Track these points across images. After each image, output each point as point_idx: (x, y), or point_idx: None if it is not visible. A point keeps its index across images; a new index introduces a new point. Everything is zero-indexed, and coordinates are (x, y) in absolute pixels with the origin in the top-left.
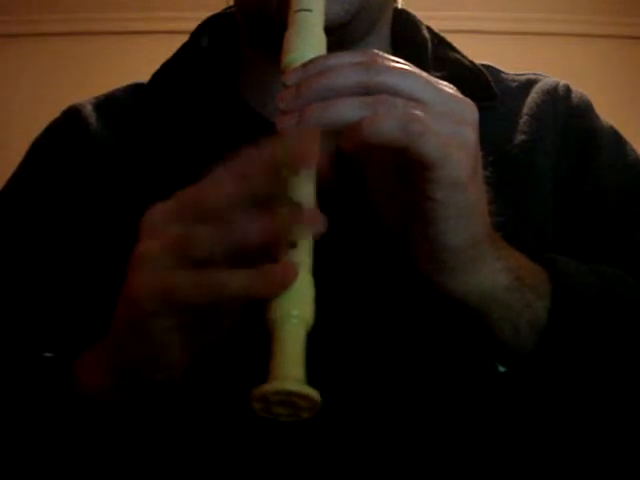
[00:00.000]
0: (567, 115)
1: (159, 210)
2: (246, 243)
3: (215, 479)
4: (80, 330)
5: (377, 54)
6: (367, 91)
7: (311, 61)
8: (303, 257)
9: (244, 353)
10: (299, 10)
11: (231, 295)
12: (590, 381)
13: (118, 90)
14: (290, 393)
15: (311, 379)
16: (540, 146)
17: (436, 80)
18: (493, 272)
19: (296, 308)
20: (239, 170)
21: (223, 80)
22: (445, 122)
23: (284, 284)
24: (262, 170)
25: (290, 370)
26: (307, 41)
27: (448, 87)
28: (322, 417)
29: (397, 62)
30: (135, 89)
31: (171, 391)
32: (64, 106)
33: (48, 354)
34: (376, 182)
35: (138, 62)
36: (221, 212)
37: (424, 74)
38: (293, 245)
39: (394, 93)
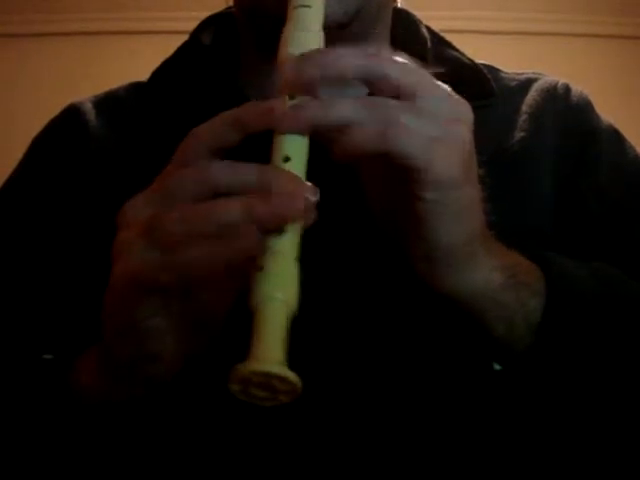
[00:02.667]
0: (566, 113)
1: (132, 201)
2: (219, 221)
3: (203, 469)
4: (80, 331)
5: (375, 50)
6: (366, 78)
7: (308, 54)
8: (290, 244)
9: (228, 340)
10: (298, 6)
11: (199, 270)
12: (586, 378)
13: (118, 88)
14: (269, 375)
15: (295, 366)
16: (539, 144)
17: (432, 78)
18: (487, 270)
19: (279, 291)
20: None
21: (224, 77)
22: (433, 122)
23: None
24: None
25: (269, 351)
26: (305, 37)
27: (442, 86)
28: (304, 403)
29: (395, 56)
30: (135, 87)
31: (166, 387)
32: (64, 106)
33: (47, 356)
34: (369, 182)
35: (138, 62)
36: (188, 192)
37: (421, 70)
38: (281, 231)
39: (389, 86)
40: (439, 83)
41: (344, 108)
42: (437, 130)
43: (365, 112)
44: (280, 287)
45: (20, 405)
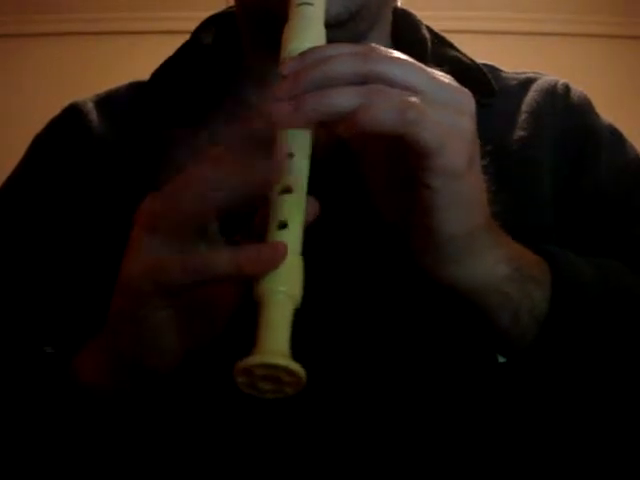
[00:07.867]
0: (566, 113)
1: (147, 200)
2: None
3: (207, 464)
4: (81, 325)
5: (375, 46)
6: (364, 81)
7: (309, 50)
8: (293, 238)
9: (233, 332)
10: (301, 4)
11: (218, 274)
12: (590, 370)
13: (119, 87)
14: (274, 367)
15: (299, 358)
16: (539, 143)
17: (433, 71)
18: (492, 262)
19: (284, 285)
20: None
21: (224, 77)
22: (442, 111)
23: (272, 262)
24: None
25: (275, 344)
26: (307, 34)
27: (445, 77)
28: (307, 395)
29: (394, 53)
30: (136, 87)
31: (168, 379)
32: (64, 106)
33: (49, 349)
34: (373, 172)
35: (138, 62)
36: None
37: (421, 65)
38: (284, 226)
39: (391, 83)
40: (441, 74)
41: (349, 96)
42: (447, 119)
43: (381, 96)
44: (284, 281)
45: (22, 399)
